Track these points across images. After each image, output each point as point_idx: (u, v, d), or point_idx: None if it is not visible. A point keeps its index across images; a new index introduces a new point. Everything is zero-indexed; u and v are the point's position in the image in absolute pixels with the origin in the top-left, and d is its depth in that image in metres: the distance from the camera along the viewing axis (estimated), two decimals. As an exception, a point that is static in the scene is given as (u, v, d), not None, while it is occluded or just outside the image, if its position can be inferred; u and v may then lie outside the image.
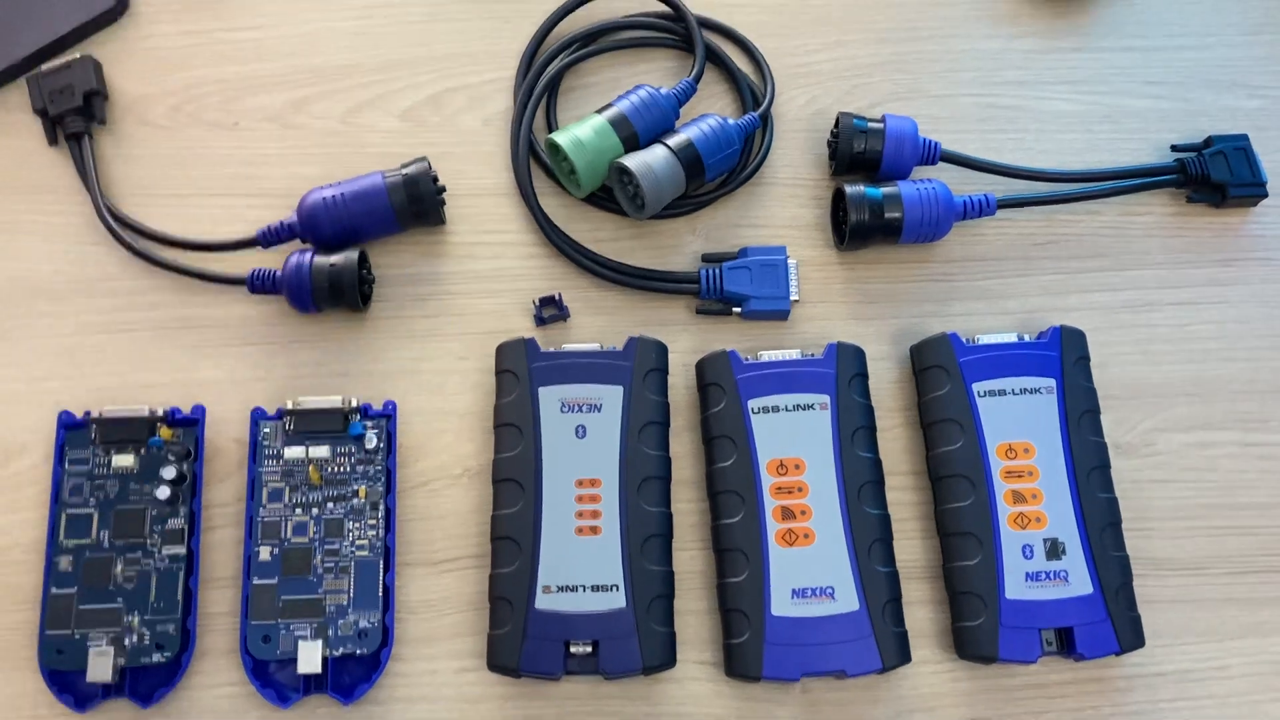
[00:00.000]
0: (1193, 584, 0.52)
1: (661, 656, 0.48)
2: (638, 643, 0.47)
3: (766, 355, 0.53)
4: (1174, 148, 0.60)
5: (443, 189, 0.56)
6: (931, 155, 0.57)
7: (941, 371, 0.52)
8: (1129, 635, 0.48)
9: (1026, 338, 0.53)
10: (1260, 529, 0.53)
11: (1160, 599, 0.51)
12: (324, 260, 0.53)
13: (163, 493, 0.50)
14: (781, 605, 0.48)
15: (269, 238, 0.55)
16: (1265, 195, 0.58)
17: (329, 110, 0.60)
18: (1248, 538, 0.52)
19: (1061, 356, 0.52)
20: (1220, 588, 0.52)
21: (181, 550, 0.50)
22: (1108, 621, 0.48)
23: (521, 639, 0.47)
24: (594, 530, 0.49)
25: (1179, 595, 0.51)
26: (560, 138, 0.55)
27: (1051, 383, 0.52)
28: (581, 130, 0.55)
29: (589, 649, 0.48)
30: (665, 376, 0.53)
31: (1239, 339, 0.56)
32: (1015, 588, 0.49)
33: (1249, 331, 0.56)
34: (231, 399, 0.53)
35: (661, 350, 0.53)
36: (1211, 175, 0.57)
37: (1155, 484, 0.53)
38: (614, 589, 0.48)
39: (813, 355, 0.52)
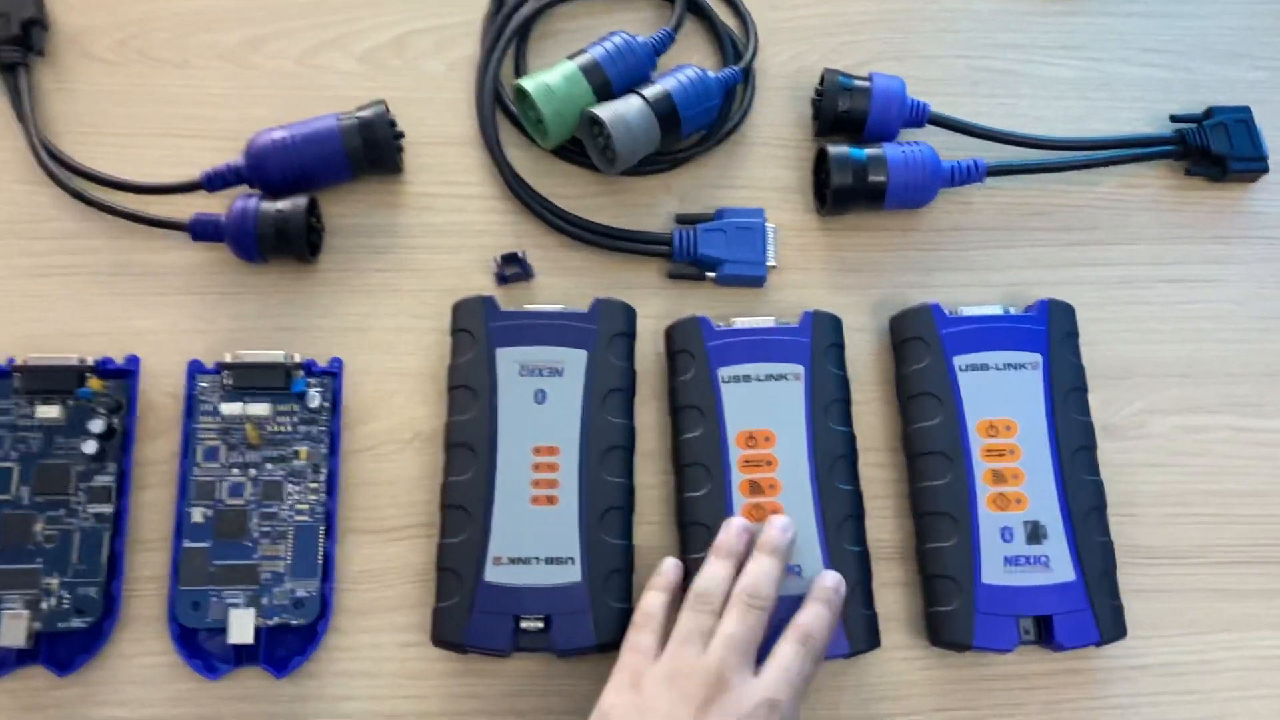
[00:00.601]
0: (1178, 573, 0.49)
1: (617, 633, 0.45)
2: (592, 619, 0.45)
3: (739, 322, 0.50)
4: (1173, 118, 0.57)
5: (400, 135, 0.52)
6: (919, 117, 0.54)
7: (921, 343, 0.50)
8: (1110, 625, 0.46)
9: (1013, 311, 0.50)
10: (1250, 518, 0.50)
11: (1144, 588, 0.49)
12: (271, 206, 0.50)
13: (90, 447, 0.47)
14: (747, 583, 0.46)
15: (214, 181, 0.51)
16: (1266, 170, 0.55)
17: (285, 50, 0.56)
18: (1237, 526, 0.50)
19: (1049, 331, 0.50)
20: (1206, 578, 0.49)
21: (108, 509, 0.46)
22: (1089, 610, 0.46)
23: (469, 612, 0.45)
24: (550, 500, 0.46)
25: (1163, 585, 0.49)
26: (527, 83, 0.52)
27: (1037, 358, 0.49)
28: (550, 76, 0.52)
29: (541, 624, 0.45)
30: (632, 341, 0.50)
31: (1234, 320, 0.54)
32: (992, 572, 0.46)
33: (1245, 312, 0.54)
34: (169, 351, 0.50)
35: (629, 313, 0.50)
36: (1211, 148, 0.55)
37: (1143, 468, 0.51)
38: (569, 562, 0.45)
39: (788, 323, 0.50)
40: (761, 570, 0.44)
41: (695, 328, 0.49)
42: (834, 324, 0.50)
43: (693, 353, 0.49)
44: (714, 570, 0.44)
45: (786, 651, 0.42)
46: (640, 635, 0.43)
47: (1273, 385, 0.52)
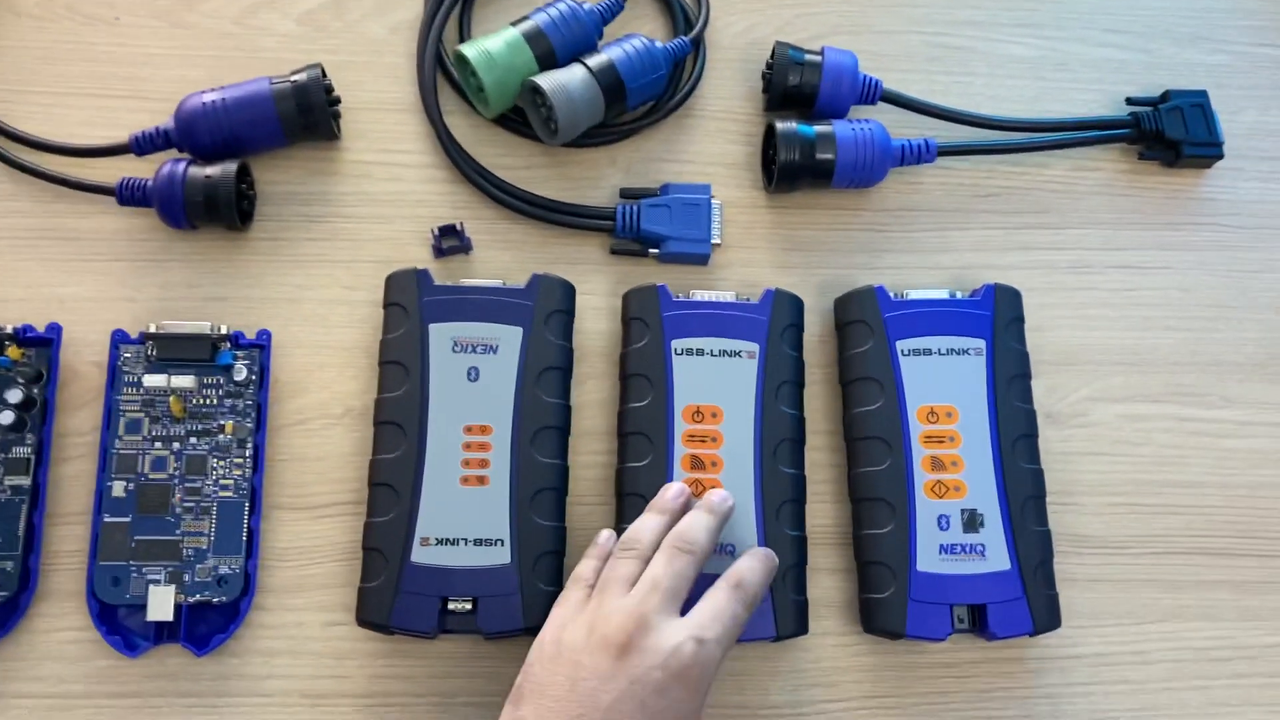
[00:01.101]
0: (1115, 563, 0.49)
1: (545, 616, 0.44)
2: (520, 601, 0.44)
3: (699, 294, 0.49)
4: (1129, 100, 0.56)
5: (337, 100, 0.51)
6: (871, 94, 0.53)
7: (864, 326, 0.49)
8: (1044, 616, 0.45)
9: (959, 295, 0.50)
10: (1189, 508, 0.50)
11: (1080, 577, 0.48)
12: (199, 171, 0.48)
13: (6, 417, 0.45)
14: (677, 560, 0.45)
15: (143, 144, 0.50)
16: (1220, 156, 0.54)
17: (222, 10, 0.54)
18: (1175, 517, 0.50)
19: (994, 316, 0.49)
20: (1143, 568, 0.49)
21: (26, 481, 0.45)
22: (1023, 600, 0.45)
23: (394, 593, 0.44)
24: (480, 480, 0.45)
25: (1100, 574, 0.49)
26: (468, 50, 0.50)
27: (981, 344, 0.48)
28: (492, 43, 0.50)
29: (468, 606, 0.44)
30: (570, 319, 0.49)
31: (1182, 308, 0.53)
32: (928, 560, 0.46)
33: (1193, 300, 0.53)
34: (93, 319, 0.49)
35: (568, 290, 0.49)
36: (1166, 132, 0.54)
37: (1084, 456, 0.50)
38: (498, 544, 0.45)
39: (748, 300, 0.49)
40: (697, 520, 0.43)
41: (653, 296, 0.48)
42: (795, 304, 0.49)
43: (647, 321, 0.48)
44: (645, 521, 0.43)
45: (718, 594, 0.41)
46: (569, 591, 0.42)
47: (1217, 375, 0.52)
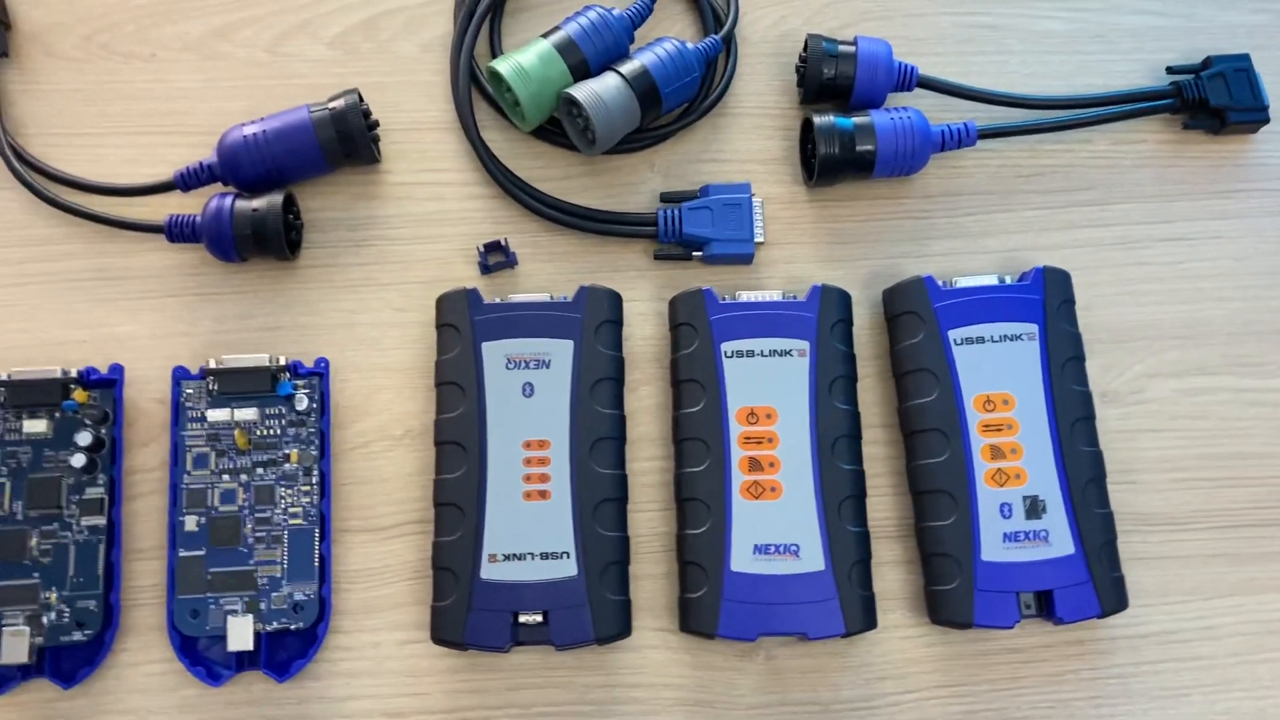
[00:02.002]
0: (1180, 539, 0.49)
1: (616, 626, 0.45)
2: (590, 612, 0.45)
3: (744, 295, 0.49)
4: (1170, 69, 0.55)
5: (375, 124, 0.51)
6: (908, 81, 0.53)
7: (915, 318, 0.49)
8: (1111, 597, 0.45)
9: (1008, 280, 0.49)
10: (1253, 480, 0.50)
11: (1145, 555, 0.48)
12: (246, 205, 0.49)
13: (79, 460, 0.46)
14: (742, 561, 0.45)
15: (188, 180, 0.50)
16: (1267, 120, 0.53)
17: (253, 39, 0.55)
18: (1239, 489, 0.49)
19: (1044, 300, 0.49)
20: (1209, 543, 0.49)
21: (101, 521, 0.46)
22: (1089, 583, 0.45)
23: (466, 611, 0.45)
24: (543, 495, 0.46)
25: (1165, 551, 0.49)
26: (501, 66, 0.50)
27: (1033, 328, 0.48)
28: (525, 57, 0.50)
29: (539, 619, 0.45)
30: (619, 328, 0.49)
31: (1236, 277, 0.52)
32: (992, 549, 0.46)
33: (1246, 269, 0.52)
34: (152, 357, 0.49)
35: (615, 300, 0.49)
36: (1210, 99, 0.53)
37: (1143, 434, 0.50)
38: (564, 556, 0.45)
39: (794, 297, 0.49)
40: None
41: (699, 300, 0.49)
42: (842, 299, 0.49)
43: (695, 326, 0.48)
44: None
45: None
46: None
47: (1276, 344, 0.51)
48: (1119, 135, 0.54)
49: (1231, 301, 0.52)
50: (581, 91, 0.49)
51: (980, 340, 0.48)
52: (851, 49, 0.52)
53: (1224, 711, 0.46)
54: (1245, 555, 0.49)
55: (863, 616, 0.45)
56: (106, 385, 0.48)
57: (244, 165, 0.50)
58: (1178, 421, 0.50)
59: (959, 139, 0.52)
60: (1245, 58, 0.54)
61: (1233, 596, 0.48)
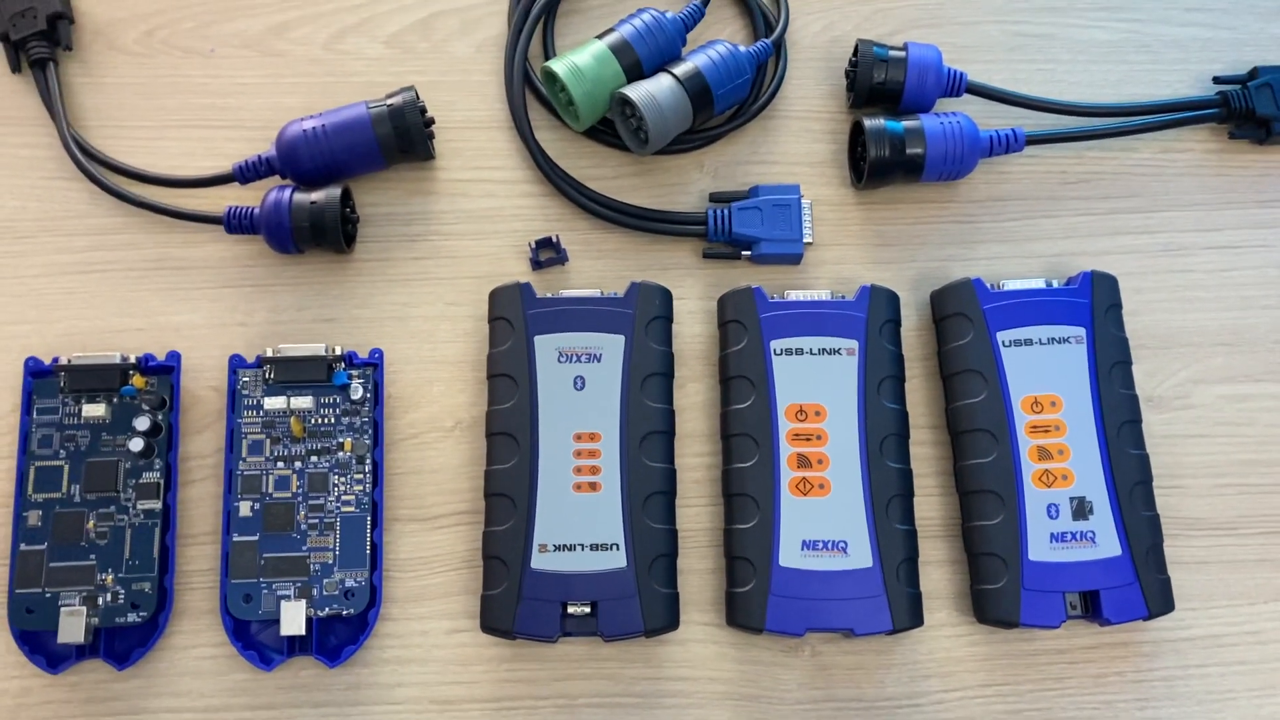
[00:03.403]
0: (1225, 544, 0.49)
1: (664, 618, 0.45)
2: (639, 604, 0.45)
3: (793, 294, 0.49)
4: (1216, 79, 0.56)
5: (431, 121, 0.52)
6: (957, 87, 0.53)
7: (964, 319, 0.49)
8: (1158, 599, 0.46)
9: (1055, 283, 0.50)
10: (1297, 487, 0.50)
11: (1190, 560, 0.48)
12: (304, 198, 0.50)
13: (136, 444, 0.47)
14: (790, 556, 0.46)
15: (246, 173, 0.51)
16: (1313, 131, 0.54)
17: (311, 36, 0.56)
18: (1284, 496, 0.50)
19: (1092, 304, 0.49)
20: (1254, 548, 0.49)
21: (157, 505, 0.47)
22: (1136, 585, 0.46)
23: (516, 600, 0.45)
24: (593, 487, 0.46)
25: (1210, 556, 0.49)
26: (557, 65, 0.51)
27: (1081, 332, 0.49)
28: (580, 57, 0.51)
29: (587, 610, 0.45)
30: (669, 324, 0.49)
31: (1280, 286, 0.53)
32: (1039, 549, 0.46)
33: (1291, 278, 0.53)
34: (209, 345, 0.50)
35: (666, 296, 0.50)
36: (1256, 109, 0.53)
37: (1188, 439, 0.50)
38: (614, 548, 0.46)
39: (843, 297, 0.49)
40: None
41: (749, 298, 0.49)
42: (891, 299, 0.49)
43: (745, 324, 0.49)
44: None
45: None
46: None
47: (1320, 352, 0.52)
48: (1165, 143, 0.55)
49: (1276, 310, 0.52)
50: (636, 92, 0.50)
51: (1028, 343, 0.48)
52: (902, 54, 0.53)
53: (1269, 716, 0.46)
54: (1290, 561, 0.49)
55: (910, 614, 0.46)
56: (164, 372, 0.49)
57: (302, 159, 0.50)
58: (1222, 428, 0.51)
59: (1007, 144, 0.52)
60: (1291, 68, 0.54)
61: (1278, 601, 0.48)
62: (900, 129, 0.51)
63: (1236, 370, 0.51)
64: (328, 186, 0.50)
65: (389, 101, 0.51)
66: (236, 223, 0.50)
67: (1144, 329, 0.51)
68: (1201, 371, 0.51)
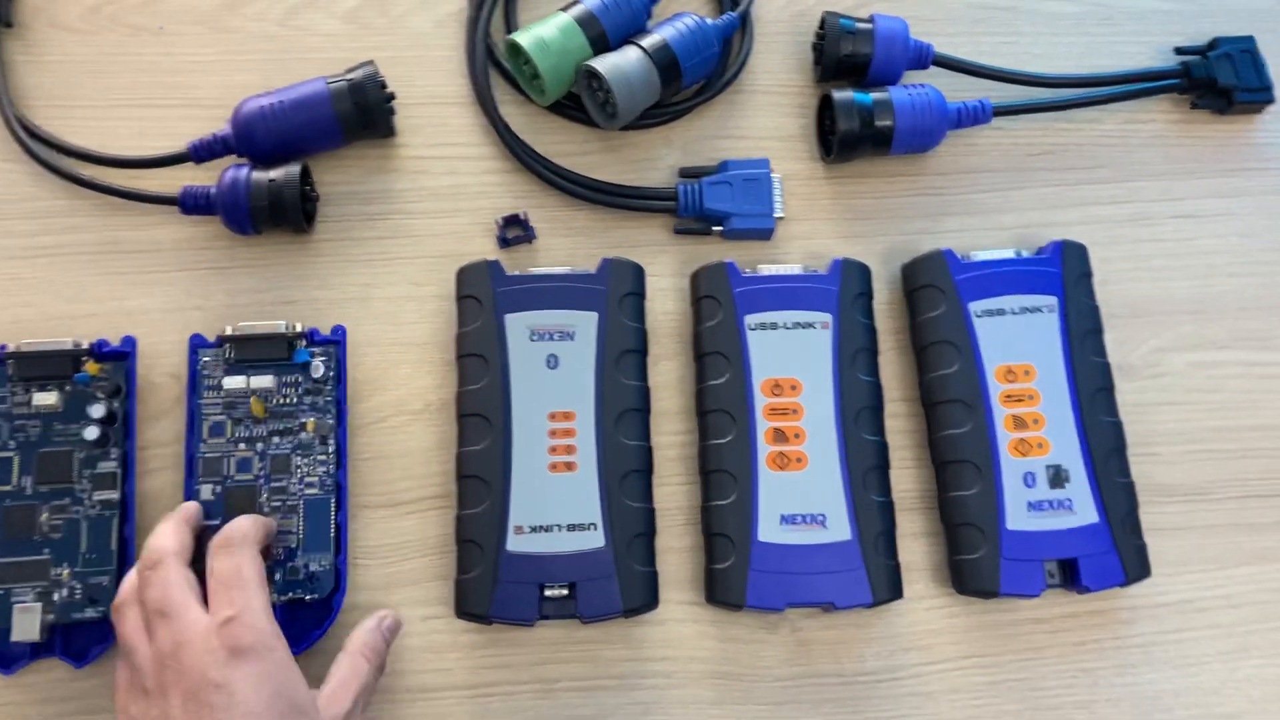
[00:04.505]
0: (1197, 510, 0.49)
1: (643, 597, 0.45)
2: (618, 584, 0.44)
3: (766, 269, 0.49)
4: (1178, 50, 0.56)
5: (392, 96, 0.51)
6: (924, 59, 0.53)
7: (936, 291, 0.49)
8: (1135, 565, 0.46)
9: (1025, 254, 0.50)
10: (1266, 451, 0.50)
11: (1163, 526, 0.49)
12: (262, 176, 0.48)
13: (91, 433, 0.45)
14: (769, 531, 0.45)
15: (201, 152, 0.50)
16: (1271, 100, 0.54)
17: (265, 12, 0.54)
18: (1253, 460, 0.50)
19: (1063, 273, 0.49)
20: (1226, 513, 0.49)
21: (115, 495, 0.45)
22: (1113, 551, 0.46)
23: (492, 584, 0.44)
24: (569, 466, 0.45)
25: (1182, 522, 0.49)
26: (521, 38, 0.50)
27: (1053, 301, 0.49)
28: (545, 30, 0.50)
29: (565, 591, 0.44)
30: (642, 301, 0.49)
31: (1245, 253, 0.53)
32: (1017, 518, 0.46)
33: (1254, 245, 0.53)
34: (165, 330, 0.48)
35: (638, 272, 0.49)
36: (1217, 79, 0.54)
37: (1159, 406, 0.50)
38: (591, 528, 0.45)
39: (815, 270, 0.49)
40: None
41: (722, 273, 0.48)
42: (863, 272, 0.49)
43: (718, 299, 0.48)
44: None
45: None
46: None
47: (1283, 318, 0.52)
48: (1129, 114, 0.55)
49: (1240, 277, 0.53)
50: (603, 64, 0.49)
51: (1000, 312, 0.48)
52: (869, 26, 0.52)
53: (1244, 679, 0.47)
54: (1261, 525, 0.49)
55: (889, 586, 0.45)
56: (119, 358, 0.47)
57: (259, 137, 0.49)
58: (1192, 395, 0.51)
59: (975, 116, 0.52)
60: (1250, 40, 0.55)
61: (1250, 565, 0.49)
62: (869, 101, 0.51)
63: (1204, 338, 0.52)
64: (286, 165, 0.49)
65: (348, 77, 0.50)
66: (193, 203, 0.49)
67: (1113, 298, 0.51)
68: (1171, 340, 0.52)
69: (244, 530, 0.41)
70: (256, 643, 0.38)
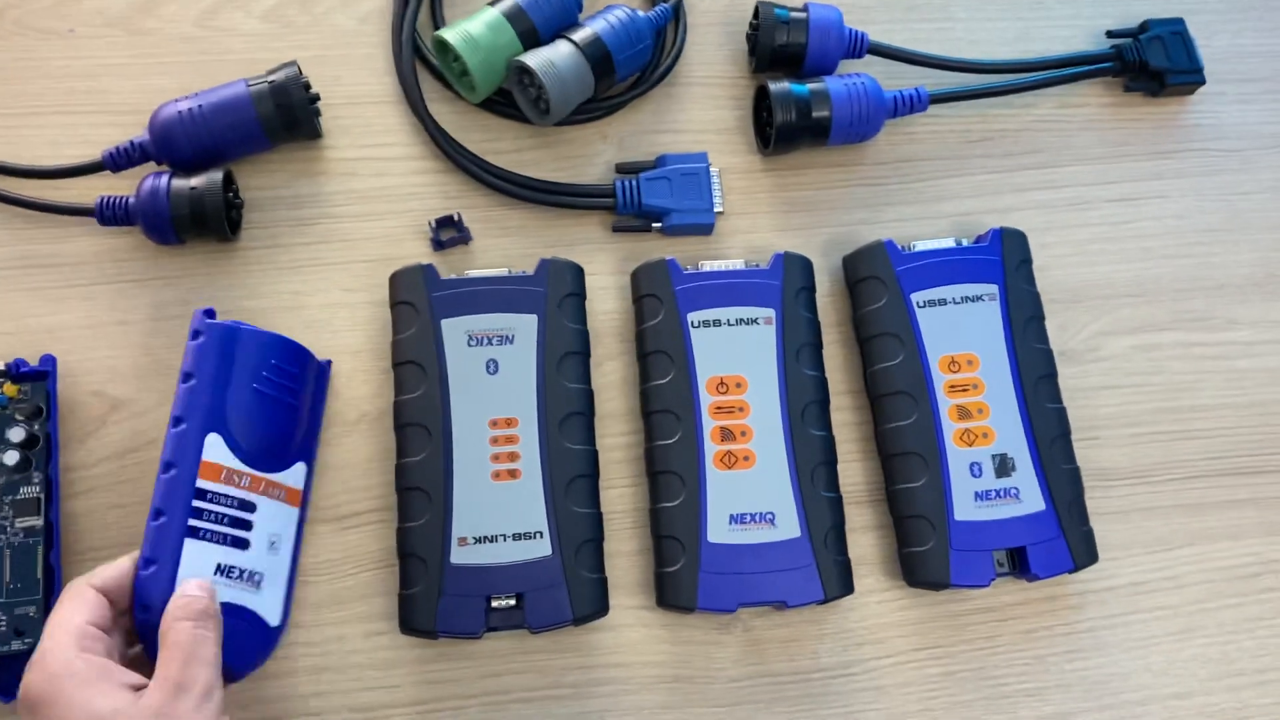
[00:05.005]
0: (1141, 492, 0.50)
1: (593, 604, 0.44)
2: (567, 592, 0.43)
3: (708, 265, 0.48)
4: (1109, 34, 0.56)
5: (316, 97, 0.49)
6: (859, 48, 0.53)
7: (878, 282, 0.48)
8: (1082, 551, 0.46)
9: (965, 242, 0.50)
10: (1205, 432, 0.51)
11: (1109, 510, 0.49)
12: (183, 183, 0.46)
13: (11, 457, 0.43)
14: (719, 532, 0.45)
15: (118, 160, 0.48)
16: (1202, 82, 0.55)
17: (180, 13, 0.52)
18: (1193, 441, 0.50)
19: (1003, 260, 0.49)
20: (1169, 494, 0.50)
21: (38, 522, 0.43)
22: (1061, 538, 0.46)
23: (437, 597, 0.43)
24: (512, 474, 0.44)
25: (1127, 505, 0.49)
26: (449, 34, 0.49)
27: (994, 289, 0.48)
28: (473, 25, 0.49)
29: (513, 602, 0.43)
30: (583, 301, 0.48)
31: (1180, 235, 0.53)
32: (964, 508, 0.46)
33: (1189, 227, 0.54)
34: (87, 347, 0.47)
35: (578, 272, 0.48)
36: (1149, 62, 0.54)
37: (1101, 390, 0.51)
38: (537, 536, 0.44)
39: (757, 265, 0.48)
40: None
41: (663, 271, 0.48)
42: (805, 266, 0.49)
43: (660, 297, 0.47)
44: None
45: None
46: None
47: (1221, 299, 0.53)
48: (1063, 99, 0.55)
49: (1177, 259, 0.53)
50: (535, 59, 0.48)
51: (942, 302, 0.48)
52: (803, 15, 0.52)
53: (1190, 658, 0.47)
54: (1204, 505, 0.50)
55: (840, 582, 0.45)
56: (38, 378, 0.45)
57: (179, 142, 0.47)
58: (1133, 378, 0.51)
59: (911, 104, 0.52)
60: (1180, 21, 0.55)
61: (1193, 546, 0.49)
62: (805, 92, 0.50)
63: (1143, 320, 0.52)
64: (208, 170, 0.47)
65: (270, 78, 0.48)
66: (110, 213, 0.47)
67: (1053, 283, 0.51)
68: (1110, 323, 0.52)
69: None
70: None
